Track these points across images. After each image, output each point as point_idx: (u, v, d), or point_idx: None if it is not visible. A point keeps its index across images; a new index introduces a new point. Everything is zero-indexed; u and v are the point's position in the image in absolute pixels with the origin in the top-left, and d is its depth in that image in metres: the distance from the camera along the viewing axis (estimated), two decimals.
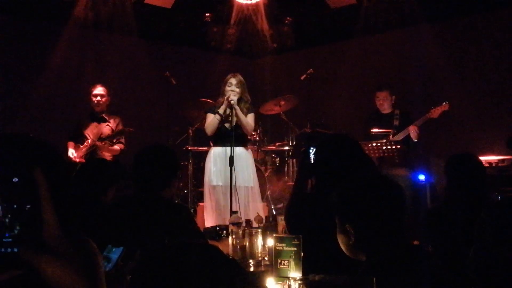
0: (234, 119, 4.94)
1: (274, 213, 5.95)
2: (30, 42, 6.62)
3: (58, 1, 6.34)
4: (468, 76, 6.79)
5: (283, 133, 7.10)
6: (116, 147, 5.65)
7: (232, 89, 4.99)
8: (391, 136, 5.57)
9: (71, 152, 5.51)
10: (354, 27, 6.91)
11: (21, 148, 1.45)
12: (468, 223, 2.36)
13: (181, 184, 6.65)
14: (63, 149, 5.48)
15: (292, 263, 2.36)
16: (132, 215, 2.76)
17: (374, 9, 6.67)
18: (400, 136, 5.48)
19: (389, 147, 5.21)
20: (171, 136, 6.83)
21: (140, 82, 7.50)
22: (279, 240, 2.45)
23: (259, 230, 3.29)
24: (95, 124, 5.71)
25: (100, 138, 5.57)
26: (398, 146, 5.21)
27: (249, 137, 5.70)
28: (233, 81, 5.03)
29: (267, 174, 6.58)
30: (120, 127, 5.74)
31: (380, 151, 5.22)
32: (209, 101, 5.96)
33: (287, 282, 2.17)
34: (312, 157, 2.58)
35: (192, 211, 5.13)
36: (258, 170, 6.09)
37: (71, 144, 5.60)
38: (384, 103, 5.81)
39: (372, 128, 5.70)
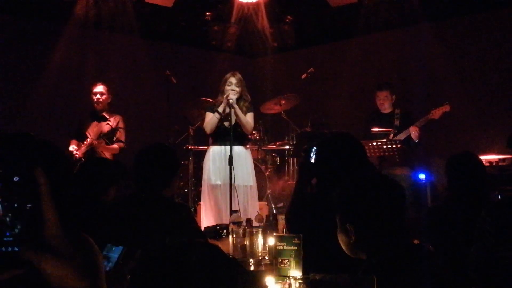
0: (233, 118, 4.93)
1: (275, 212, 5.96)
2: (31, 41, 6.62)
3: (58, 0, 6.33)
4: (469, 75, 6.79)
5: (283, 132, 7.10)
6: (115, 146, 5.64)
7: (232, 88, 4.98)
8: (391, 135, 5.57)
9: (72, 147, 5.49)
10: (355, 26, 6.91)
11: (22, 147, 1.46)
12: (469, 222, 2.36)
13: (182, 183, 6.65)
14: (64, 148, 5.48)
15: (293, 262, 2.36)
16: (132, 215, 2.76)
17: (375, 8, 6.66)
18: (401, 137, 5.47)
19: (389, 146, 5.21)
20: (172, 135, 6.83)
21: (141, 81, 7.49)
22: (280, 239, 2.45)
23: (260, 229, 3.29)
24: (95, 123, 5.71)
25: (99, 137, 5.58)
26: (399, 145, 5.20)
27: (249, 136, 5.70)
28: (232, 80, 5.03)
29: (267, 173, 6.58)
30: (121, 125, 5.74)
31: (381, 150, 5.22)
32: (210, 100, 5.95)
33: (288, 281, 2.17)
34: (313, 157, 2.57)
35: (192, 210, 5.14)
36: (258, 169, 6.10)
37: (73, 142, 5.61)
38: (385, 103, 5.81)
39: (372, 127, 5.70)
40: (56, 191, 1.40)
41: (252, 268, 3.01)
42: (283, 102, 6.74)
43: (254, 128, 5.90)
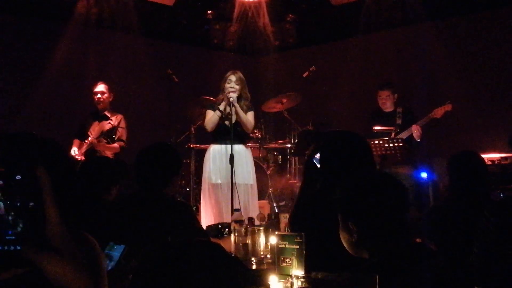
0: (234, 116, 4.92)
1: (276, 210, 5.96)
2: (32, 41, 6.61)
3: None
4: (471, 74, 6.77)
5: (285, 131, 7.10)
6: (116, 145, 5.64)
7: (232, 86, 4.96)
8: (393, 134, 5.56)
9: (73, 150, 5.52)
10: (357, 25, 6.90)
11: (24, 146, 1.46)
12: (471, 221, 2.36)
13: (183, 182, 6.66)
14: (67, 147, 5.49)
15: (295, 261, 2.36)
16: (134, 213, 2.77)
17: (377, 7, 6.65)
18: (403, 135, 5.47)
19: (391, 144, 5.21)
20: (173, 134, 6.83)
21: (142, 80, 7.49)
22: (282, 237, 2.45)
23: (262, 228, 3.29)
24: (97, 122, 5.72)
25: (100, 136, 5.59)
26: (401, 144, 5.20)
27: (250, 134, 5.69)
28: (232, 78, 5.01)
29: (269, 172, 6.59)
30: (122, 124, 5.75)
31: (383, 148, 5.22)
32: (212, 98, 5.95)
33: (290, 279, 2.16)
34: (318, 157, 2.55)
35: (194, 209, 5.14)
36: (260, 168, 6.10)
37: (76, 141, 5.62)
38: (387, 102, 5.81)
39: (374, 125, 5.69)
40: (58, 190, 1.40)
41: (254, 267, 3.01)
42: (285, 100, 6.73)
43: (256, 127, 5.89)
